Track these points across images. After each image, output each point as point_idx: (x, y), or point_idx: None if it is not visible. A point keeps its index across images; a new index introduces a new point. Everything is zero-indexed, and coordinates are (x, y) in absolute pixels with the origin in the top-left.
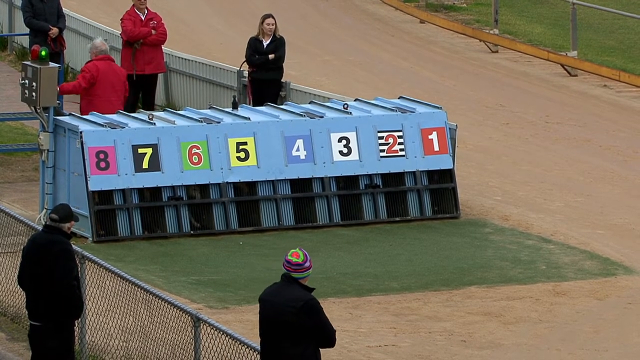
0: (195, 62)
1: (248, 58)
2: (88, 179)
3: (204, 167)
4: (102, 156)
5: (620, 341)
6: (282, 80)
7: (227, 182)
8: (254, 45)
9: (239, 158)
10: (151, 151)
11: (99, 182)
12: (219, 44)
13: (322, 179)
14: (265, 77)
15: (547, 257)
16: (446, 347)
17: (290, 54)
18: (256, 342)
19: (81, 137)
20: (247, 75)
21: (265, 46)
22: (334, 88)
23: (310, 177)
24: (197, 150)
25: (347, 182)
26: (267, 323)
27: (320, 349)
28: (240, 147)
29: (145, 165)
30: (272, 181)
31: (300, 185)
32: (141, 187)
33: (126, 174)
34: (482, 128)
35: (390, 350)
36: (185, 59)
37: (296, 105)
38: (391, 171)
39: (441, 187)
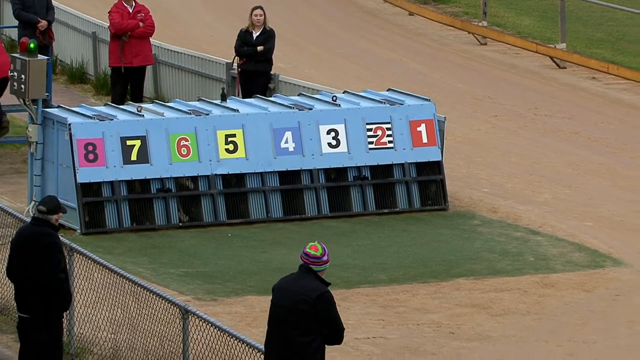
0: (184, 54)
1: (237, 49)
2: (76, 171)
3: (192, 159)
4: (90, 148)
5: (608, 333)
6: (271, 72)
7: (215, 174)
8: (243, 36)
9: (227, 150)
10: (140, 143)
11: (87, 174)
12: (209, 36)
13: (310, 171)
14: (254, 68)
15: (535, 249)
16: (434, 339)
17: (280, 47)
18: (245, 335)
19: (69, 129)
20: (236, 67)
21: (254, 38)
22: (323, 80)
23: (299, 169)
24: (186, 143)
25: (336, 174)
26: (280, 310)
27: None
28: (229, 139)
29: (133, 157)
30: (261, 173)
31: (288, 177)
32: (129, 179)
33: (114, 166)
34: (470, 120)
35: (378, 342)
36: (174, 51)
37: (285, 97)
38: (379, 163)
39: (429, 179)
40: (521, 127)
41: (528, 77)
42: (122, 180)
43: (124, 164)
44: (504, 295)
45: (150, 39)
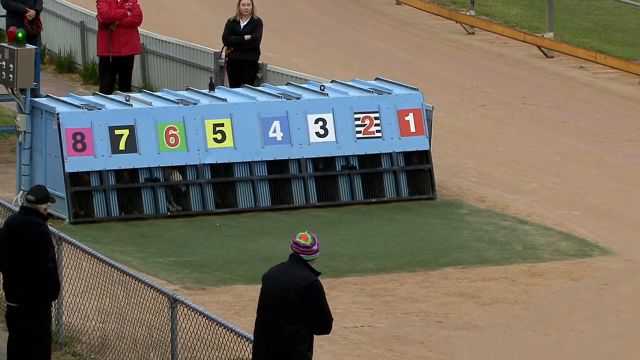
0: (172, 43)
1: (224, 38)
2: (65, 160)
3: (180, 148)
4: (78, 137)
5: (595, 322)
6: (259, 61)
7: (204, 164)
8: (231, 26)
9: (215, 140)
10: (128, 133)
11: (75, 163)
12: (197, 26)
13: (298, 160)
14: (241, 58)
15: (523, 238)
16: (422, 328)
17: (267, 36)
18: (233, 324)
19: (58, 118)
20: (224, 57)
21: (242, 27)
22: (311, 70)
23: (287, 158)
24: (174, 132)
25: (324, 164)
26: (269, 298)
27: (314, 336)
28: (217, 128)
29: (122, 147)
30: (249, 163)
31: (276, 166)
32: (118, 168)
33: (103, 156)
34: (458, 109)
35: (366, 331)
36: (162, 41)
37: (273, 86)
38: (367, 152)
39: (417, 168)
40: (509, 116)
41: (516, 66)
42: (110, 170)
43: (112, 153)
44: (491, 284)
45: (138, 28)
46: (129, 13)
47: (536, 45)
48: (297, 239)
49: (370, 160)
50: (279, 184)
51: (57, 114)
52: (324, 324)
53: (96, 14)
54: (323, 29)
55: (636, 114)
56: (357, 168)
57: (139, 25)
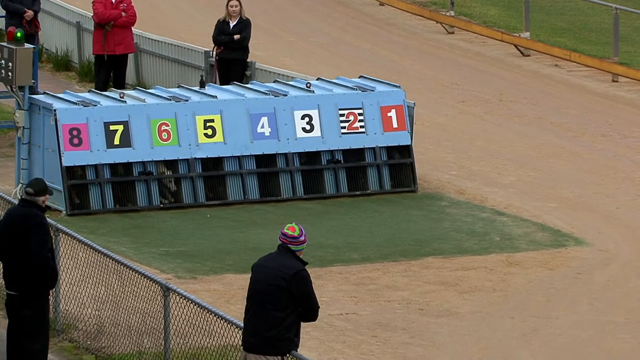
0: (165, 43)
1: (214, 38)
2: (62, 155)
3: (172, 143)
4: (75, 133)
5: (570, 309)
6: (247, 60)
7: (195, 158)
8: (220, 26)
9: (206, 135)
10: (122, 128)
11: (72, 158)
12: (188, 26)
13: (285, 154)
14: (231, 56)
15: (501, 229)
16: (404, 315)
17: (256, 35)
18: (223, 311)
19: (55, 114)
20: (214, 56)
21: (231, 27)
22: (298, 68)
23: (275, 152)
24: (167, 127)
25: (310, 158)
26: (259, 286)
27: (301, 324)
28: (208, 124)
29: (116, 141)
30: (238, 157)
31: (265, 160)
32: (113, 162)
33: (98, 150)
34: (438, 106)
35: (351, 318)
36: (155, 40)
37: (261, 84)
38: (352, 147)
39: (399, 162)
40: (487, 112)
41: (494, 64)
42: (105, 164)
43: (107, 148)
44: (470, 273)
45: (132, 28)
46: (123, 14)
47: (513, 45)
48: (285, 230)
49: (354, 155)
50: (267, 177)
51: (54, 110)
52: (311, 312)
53: (92, 14)
54: (310, 29)
55: (609, 110)
56: (342, 162)
57: (133, 26)
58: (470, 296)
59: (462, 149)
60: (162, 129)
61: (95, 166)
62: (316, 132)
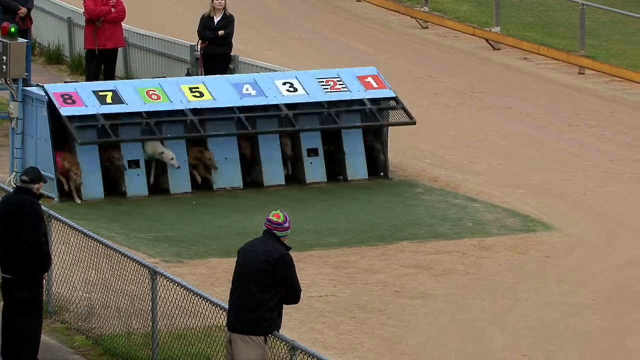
0: (152, 37)
1: (199, 33)
2: (59, 109)
3: (163, 101)
4: (67, 96)
5: (539, 291)
6: (231, 54)
7: (189, 109)
8: (205, 21)
9: (194, 96)
10: (112, 93)
11: (69, 110)
12: (175, 21)
13: (277, 105)
14: (215, 51)
15: (473, 215)
16: (381, 297)
17: (239, 30)
18: (208, 293)
19: (43, 89)
20: (199, 50)
21: (215, 23)
22: (279, 61)
23: (264, 104)
24: (154, 92)
25: (293, 147)
26: (244, 268)
27: (283, 306)
28: (194, 90)
29: (109, 100)
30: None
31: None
32: (109, 112)
33: (93, 106)
34: (413, 97)
35: (330, 300)
36: (143, 35)
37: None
38: (339, 99)
39: (375, 148)
40: (459, 103)
41: (466, 57)
42: (101, 114)
43: (100, 104)
44: (444, 257)
45: (122, 24)
46: (113, 10)
47: (484, 39)
48: (271, 217)
49: (333, 142)
50: (251, 166)
51: (42, 86)
52: (293, 294)
53: (83, 10)
54: (290, 24)
55: (575, 101)
56: (321, 151)
57: (122, 21)
58: (444, 279)
59: (436, 138)
60: (150, 93)
61: (93, 115)
62: (300, 92)
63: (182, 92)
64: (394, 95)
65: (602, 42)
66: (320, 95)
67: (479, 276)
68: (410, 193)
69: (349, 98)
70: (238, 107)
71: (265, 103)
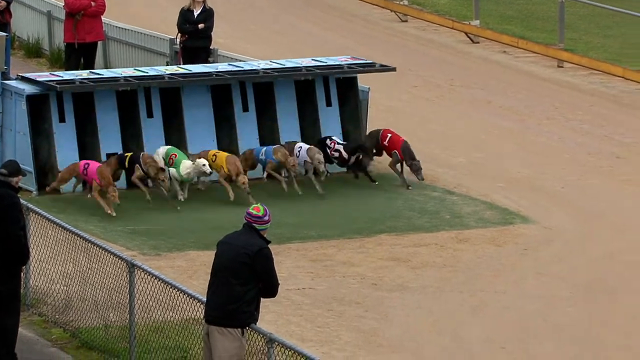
0: (131, 31)
1: (179, 26)
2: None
3: (141, 71)
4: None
5: (517, 284)
6: (210, 47)
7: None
8: (185, 14)
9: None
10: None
11: (48, 77)
12: (155, 14)
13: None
14: (195, 44)
15: (451, 208)
16: (359, 290)
17: (219, 24)
18: (186, 286)
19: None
20: (179, 43)
21: (195, 16)
22: (258, 54)
23: (241, 69)
24: (131, 73)
25: (270, 133)
26: (223, 261)
27: (261, 299)
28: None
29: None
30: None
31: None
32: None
33: (77, 76)
34: (392, 90)
35: (307, 293)
36: (122, 28)
37: None
38: (319, 64)
39: (355, 138)
40: (438, 96)
41: (445, 51)
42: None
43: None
44: (422, 249)
45: (102, 17)
46: (93, 4)
47: (464, 32)
48: (251, 210)
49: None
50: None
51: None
52: (271, 287)
53: (62, 4)
54: (270, 18)
55: (554, 94)
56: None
57: (102, 15)
58: (422, 271)
59: (415, 131)
60: (127, 72)
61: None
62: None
63: (157, 70)
64: (371, 61)
65: (581, 36)
66: (300, 63)
67: (457, 269)
68: (389, 186)
69: (327, 63)
70: (215, 72)
71: (242, 67)
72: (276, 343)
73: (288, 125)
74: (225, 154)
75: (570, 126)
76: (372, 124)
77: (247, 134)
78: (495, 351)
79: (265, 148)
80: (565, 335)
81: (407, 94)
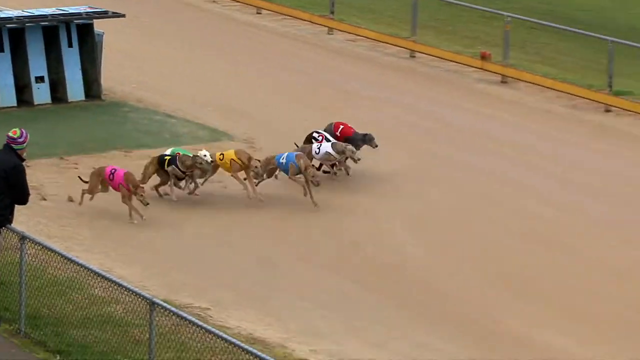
0: None
1: None
2: None
3: None
4: None
5: None
6: None
7: None
8: None
9: None
10: None
11: None
12: None
13: None
14: None
15: (170, 129)
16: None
17: None
18: None
19: None
20: None
21: None
22: (12, 3)
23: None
24: None
25: (22, 74)
26: None
27: (15, 205)
28: None
29: None
30: None
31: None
32: None
33: None
34: (123, 35)
35: (53, 199)
36: None
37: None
38: (64, 12)
39: (90, 74)
40: (159, 38)
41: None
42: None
43: None
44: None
45: None
46: None
47: None
48: (10, 133)
49: (56, 70)
50: None
51: None
52: (23, 196)
53: None
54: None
55: (255, 37)
56: (46, 79)
57: None
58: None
59: (142, 69)
60: None
61: None
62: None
63: None
64: (105, 9)
65: None
66: (43, 12)
67: None
68: (119, 112)
69: (68, 12)
70: None
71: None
72: (27, 240)
73: (37, 64)
74: (233, 150)
75: (270, 63)
76: (107, 61)
77: (3, 72)
78: None
79: (286, 154)
80: None
81: (130, 35)
